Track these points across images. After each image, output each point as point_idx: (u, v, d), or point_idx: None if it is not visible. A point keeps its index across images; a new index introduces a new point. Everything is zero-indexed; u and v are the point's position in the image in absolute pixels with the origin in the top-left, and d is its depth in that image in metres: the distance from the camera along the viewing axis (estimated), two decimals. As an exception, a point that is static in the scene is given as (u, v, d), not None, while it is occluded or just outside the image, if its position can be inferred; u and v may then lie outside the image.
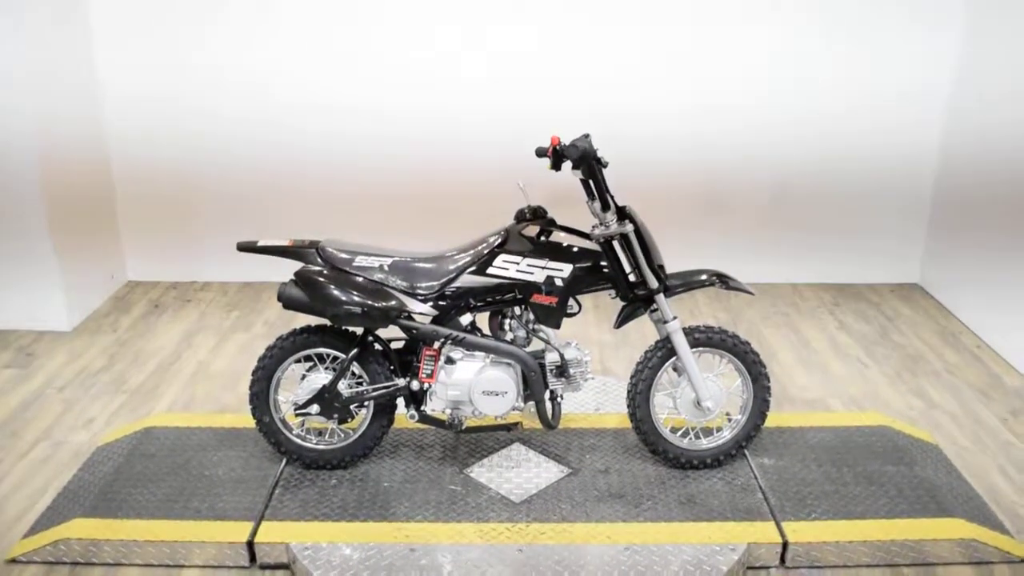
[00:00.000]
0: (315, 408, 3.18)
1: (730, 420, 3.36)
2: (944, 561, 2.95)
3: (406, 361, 3.27)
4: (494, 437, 3.49)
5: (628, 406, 3.28)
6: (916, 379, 4.24)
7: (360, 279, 3.07)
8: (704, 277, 3.20)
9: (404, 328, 3.11)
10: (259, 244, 3.12)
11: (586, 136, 2.95)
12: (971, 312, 4.84)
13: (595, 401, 3.82)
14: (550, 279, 3.05)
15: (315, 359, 3.24)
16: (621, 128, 4.90)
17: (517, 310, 3.19)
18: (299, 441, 3.29)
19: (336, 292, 3.01)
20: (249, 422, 3.53)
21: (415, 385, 3.18)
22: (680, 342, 3.17)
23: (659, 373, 3.25)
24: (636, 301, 3.19)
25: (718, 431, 3.35)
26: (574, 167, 3.07)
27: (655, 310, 3.21)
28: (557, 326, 3.12)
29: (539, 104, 5.00)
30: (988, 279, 4.67)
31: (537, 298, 3.08)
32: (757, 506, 3.12)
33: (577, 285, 3.08)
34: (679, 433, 3.35)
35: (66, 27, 4.67)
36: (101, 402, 3.99)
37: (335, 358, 3.22)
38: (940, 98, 5.05)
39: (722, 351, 3.25)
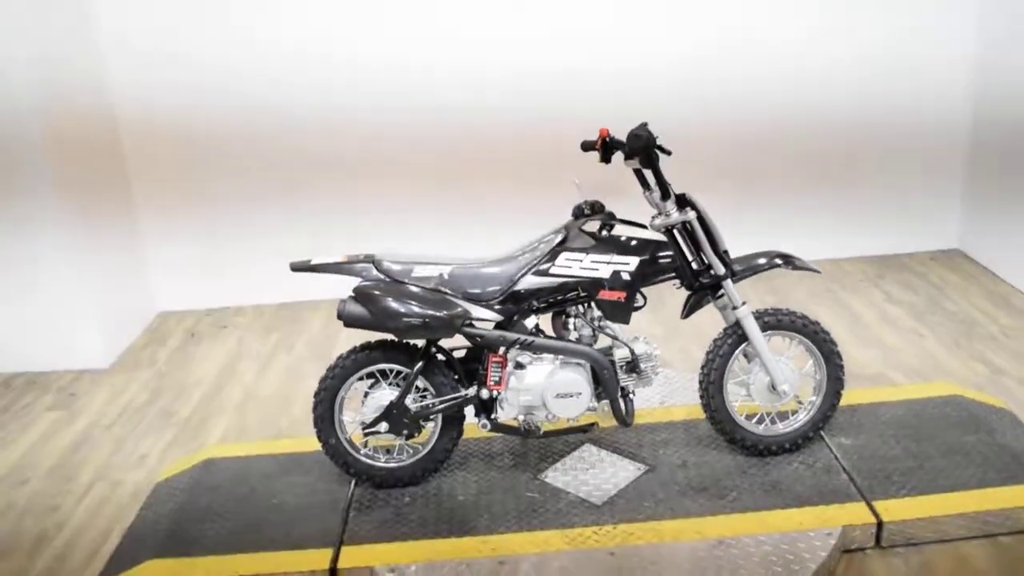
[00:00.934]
0: (384, 426, 3.10)
1: (802, 403, 3.28)
2: (1042, 527, 2.89)
3: (471, 370, 3.19)
4: (563, 439, 3.41)
5: (701, 397, 3.21)
6: (974, 345, 4.17)
7: (421, 290, 2.99)
8: (767, 260, 3.13)
9: (469, 336, 3.04)
10: (313, 263, 3.04)
11: (644, 125, 2.88)
12: (1018, 272, 4.78)
13: (659, 394, 3.74)
14: (616, 274, 2.98)
15: (378, 376, 3.17)
16: (643, 92, 4.85)
17: (581, 308, 3.12)
18: (368, 461, 3.22)
19: (398, 305, 2.93)
20: (310, 445, 3.46)
21: (484, 394, 3.10)
22: (752, 327, 3.10)
23: (730, 361, 3.18)
24: (702, 289, 3.12)
25: (793, 415, 3.28)
26: (628, 158, 3.00)
27: (720, 297, 3.14)
28: (626, 321, 3.05)
29: (567, 63, 4.93)
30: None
31: (604, 294, 3.00)
32: (844, 487, 3.05)
33: (644, 278, 3.01)
34: (754, 420, 3.27)
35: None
36: (151, 437, 3.91)
37: (398, 373, 3.15)
38: (968, 54, 4.99)
39: (792, 332, 3.18)
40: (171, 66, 4.82)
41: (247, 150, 5.02)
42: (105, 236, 4.72)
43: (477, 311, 3.01)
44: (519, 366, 3.05)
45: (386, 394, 3.13)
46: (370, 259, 3.05)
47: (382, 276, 3.01)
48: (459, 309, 2.98)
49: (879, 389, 3.73)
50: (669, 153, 2.87)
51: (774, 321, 3.16)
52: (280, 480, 3.36)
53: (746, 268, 3.11)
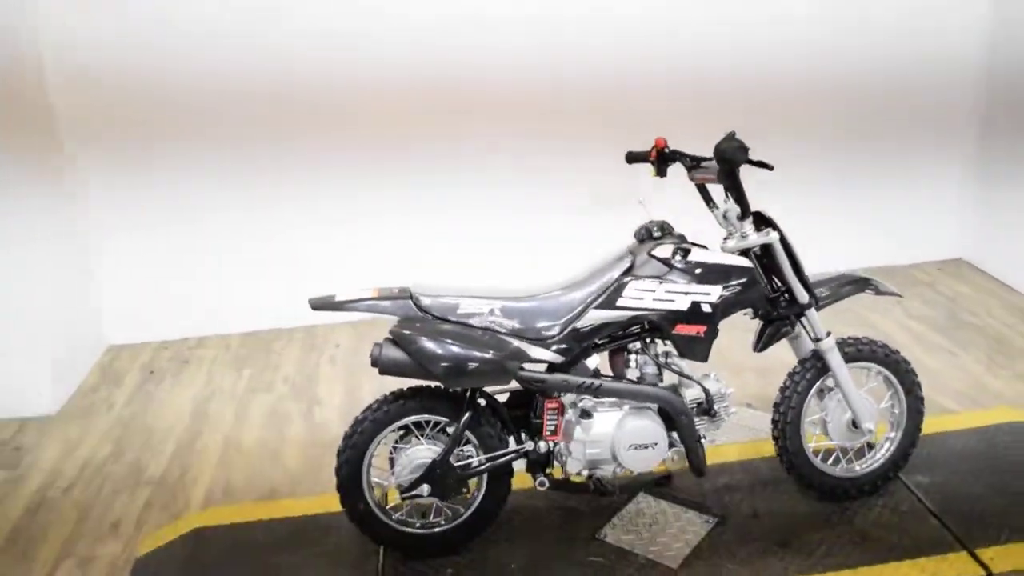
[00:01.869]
0: (425, 489, 2.66)
1: (875, 441, 2.98)
2: None
3: (516, 417, 2.78)
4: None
5: (777, 439, 2.88)
6: (1012, 362, 3.98)
7: (471, 328, 2.57)
8: (851, 286, 2.83)
9: (525, 381, 2.62)
10: (338, 299, 2.58)
11: (733, 134, 2.52)
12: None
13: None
14: (696, 305, 2.61)
15: (412, 428, 2.72)
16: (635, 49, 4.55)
17: (644, 342, 2.74)
18: (401, 528, 2.77)
19: (447, 348, 2.50)
20: (319, 506, 3.03)
21: (542, 447, 2.70)
22: (837, 360, 2.79)
23: (807, 398, 2.85)
24: (780, 319, 2.78)
25: (868, 453, 2.98)
26: (697, 170, 2.65)
27: (790, 326, 2.81)
28: (704, 358, 2.69)
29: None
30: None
31: (681, 329, 2.63)
32: (939, 535, 2.76)
33: (726, 309, 2.65)
34: (828, 461, 2.96)
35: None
36: (122, 500, 3.35)
37: (435, 424, 2.71)
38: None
39: (871, 363, 2.88)
40: (120, 49, 4.21)
41: (208, 139, 4.44)
42: (46, 254, 4.08)
43: (534, 352, 2.60)
44: (584, 414, 2.64)
45: (423, 450, 2.70)
46: (406, 293, 2.60)
47: (421, 313, 2.57)
48: (515, 350, 2.56)
49: (938, 419, 3.46)
50: (771, 168, 2.51)
51: (854, 351, 2.86)
52: (290, 553, 2.88)
53: (830, 295, 2.80)
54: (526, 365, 2.59)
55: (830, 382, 2.87)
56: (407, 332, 2.51)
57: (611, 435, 2.64)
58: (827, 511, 2.91)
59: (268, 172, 4.55)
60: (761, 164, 2.50)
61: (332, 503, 2.99)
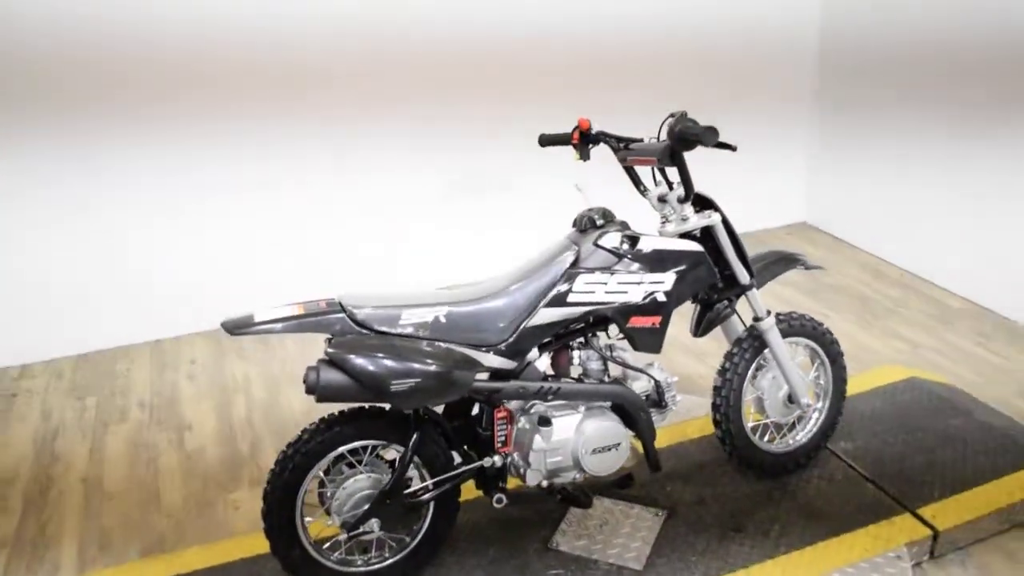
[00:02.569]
0: (375, 524, 2.37)
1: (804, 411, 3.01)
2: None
3: (454, 429, 2.54)
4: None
5: (718, 423, 2.81)
6: (880, 321, 4.18)
7: (416, 341, 2.28)
8: (782, 262, 2.80)
9: (479, 392, 2.38)
10: (257, 320, 2.21)
11: (684, 113, 2.37)
12: (873, 242, 4.91)
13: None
14: (650, 295, 2.47)
15: (346, 456, 2.41)
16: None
17: (585, 337, 2.58)
18: (343, 568, 2.46)
19: (396, 365, 2.20)
20: (226, 553, 2.65)
21: (497, 461, 2.47)
22: (777, 339, 2.75)
23: (746, 379, 2.81)
24: (718, 302, 2.71)
25: (794, 426, 2.99)
26: (633, 153, 2.51)
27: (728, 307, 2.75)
28: (658, 349, 2.56)
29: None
30: (877, 204, 4.77)
31: (636, 321, 2.48)
32: (879, 500, 2.81)
33: (680, 297, 2.53)
34: (766, 438, 2.94)
35: None
36: (-32, 574, 2.78)
37: (370, 449, 2.42)
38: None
39: (800, 336, 2.88)
40: None
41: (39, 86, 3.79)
42: None
43: (487, 360, 2.36)
44: (543, 421, 2.44)
45: (364, 480, 2.40)
46: (336, 306, 2.28)
47: (358, 328, 2.26)
48: (468, 361, 2.31)
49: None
50: (734, 148, 2.39)
51: (786, 327, 2.84)
52: (208, 611, 2.48)
53: (767, 274, 2.75)
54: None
55: (761, 360, 2.84)
56: (348, 351, 2.19)
57: (572, 440, 2.46)
58: (767, 489, 2.89)
59: (92, 157, 3.95)
60: (726, 145, 2.39)
61: (245, 546, 2.64)
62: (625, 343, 2.74)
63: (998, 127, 4.01)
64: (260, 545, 2.65)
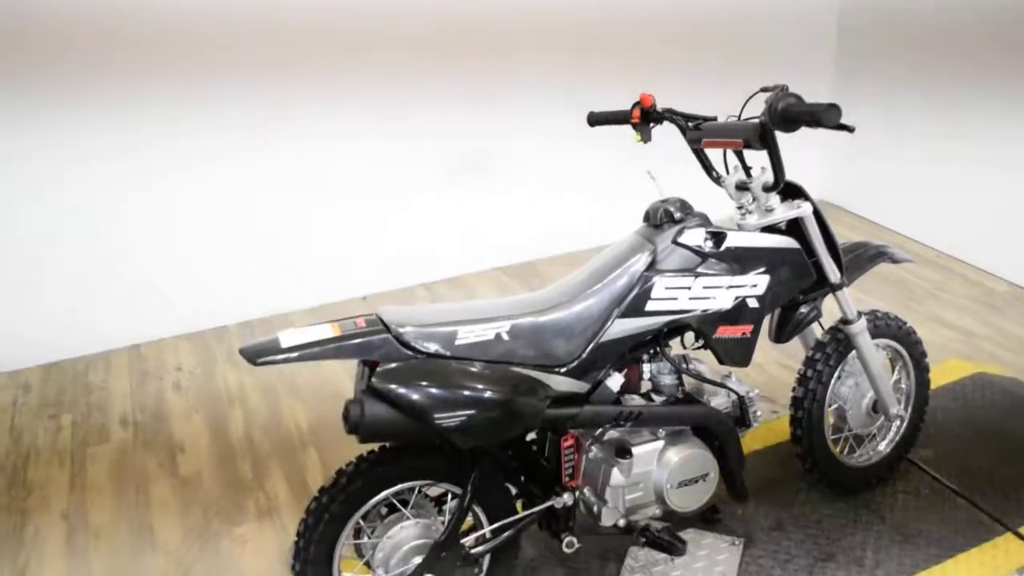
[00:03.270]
0: (431, 579, 2.01)
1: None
2: None
3: (511, 463, 2.19)
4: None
5: (799, 438, 2.49)
6: (925, 307, 3.90)
7: (476, 364, 1.91)
8: (870, 256, 2.47)
9: (551, 421, 2.02)
10: (284, 346, 1.81)
11: (785, 87, 2.01)
12: (901, 221, 4.64)
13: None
14: (740, 300, 2.13)
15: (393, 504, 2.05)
16: None
17: (657, 348, 2.23)
18: (389, 628, 2.09)
19: (457, 396, 1.83)
20: None
21: (567, 499, 2.12)
22: (867, 343, 2.43)
23: (830, 388, 2.49)
24: (804, 303, 2.37)
25: (871, 438, 2.69)
26: (718, 137, 2.14)
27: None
28: (747, 362, 2.21)
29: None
30: (902, 182, 4.50)
31: (724, 331, 2.14)
32: (974, 518, 2.53)
33: (774, 302, 2.19)
34: (845, 452, 2.63)
35: None
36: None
37: (417, 490, 2.06)
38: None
39: (885, 338, 2.56)
40: None
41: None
42: None
43: (556, 383, 2.00)
44: (622, 452, 2.08)
45: (413, 529, 2.03)
46: (376, 324, 1.89)
47: (407, 352, 1.88)
48: (539, 386, 1.95)
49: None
50: (852, 130, 2.03)
51: (872, 328, 2.51)
52: None
53: (855, 270, 2.42)
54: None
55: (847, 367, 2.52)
56: (399, 381, 1.81)
57: (654, 472, 2.12)
58: (850, 508, 2.59)
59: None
60: (844, 126, 2.02)
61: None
62: (700, 353, 2.40)
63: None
64: (284, 598, 2.29)
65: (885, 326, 2.54)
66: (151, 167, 3.63)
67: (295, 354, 1.80)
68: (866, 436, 2.65)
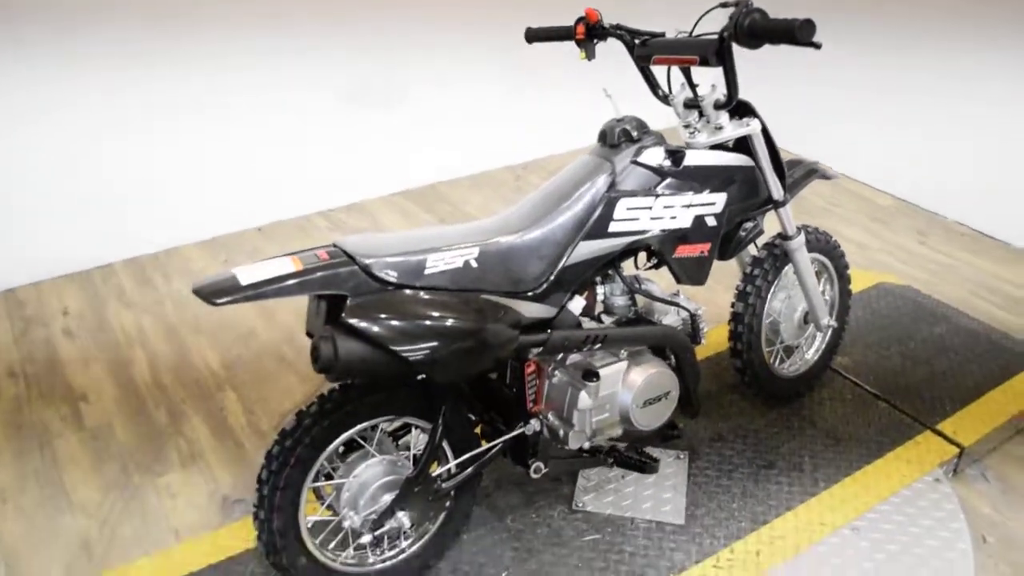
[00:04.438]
0: (404, 519, 1.94)
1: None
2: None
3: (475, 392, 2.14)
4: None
5: (739, 352, 2.55)
6: (822, 222, 4.06)
7: (449, 294, 1.83)
8: (803, 174, 2.51)
9: (522, 349, 1.97)
10: (244, 282, 1.67)
11: (748, 3, 1.97)
12: (787, 140, 4.78)
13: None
14: (699, 219, 2.12)
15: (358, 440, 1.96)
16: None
17: (611, 271, 2.21)
18: (357, 569, 2.02)
19: (435, 328, 1.75)
20: (178, 563, 2.16)
21: (535, 425, 2.09)
22: (804, 257, 2.49)
23: (767, 302, 2.55)
24: (747, 220, 2.39)
25: (798, 349, 2.79)
26: (664, 52, 2.10)
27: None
28: (703, 281, 2.22)
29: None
30: (785, 101, 4.62)
31: (683, 250, 2.13)
32: (896, 419, 2.68)
33: (729, 220, 2.19)
34: (777, 363, 2.72)
35: None
36: None
37: (374, 428, 1.98)
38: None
39: (815, 252, 2.64)
40: None
41: None
42: None
43: (525, 309, 1.95)
44: (589, 375, 2.06)
45: (379, 467, 1.95)
46: (339, 255, 1.77)
47: (374, 284, 1.77)
48: (510, 314, 1.89)
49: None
50: (819, 46, 2.00)
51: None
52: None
53: (793, 187, 2.46)
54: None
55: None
56: (372, 316, 1.71)
57: (619, 393, 2.11)
58: (782, 416, 2.69)
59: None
60: (812, 43, 2.00)
61: (204, 548, 2.16)
62: (650, 274, 2.40)
63: (902, 21, 3.89)
64: (227, 544, 2.18)
65: (815, 240, 2.61)
66: (31, 97, 3.26)
67: (256, 291, 1.65)
68: (795, 347, 2.74)
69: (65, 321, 3.30)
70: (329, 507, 2.00)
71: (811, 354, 2.75)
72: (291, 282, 1.68)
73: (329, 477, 1.95)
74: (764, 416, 2.68)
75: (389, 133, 4.17)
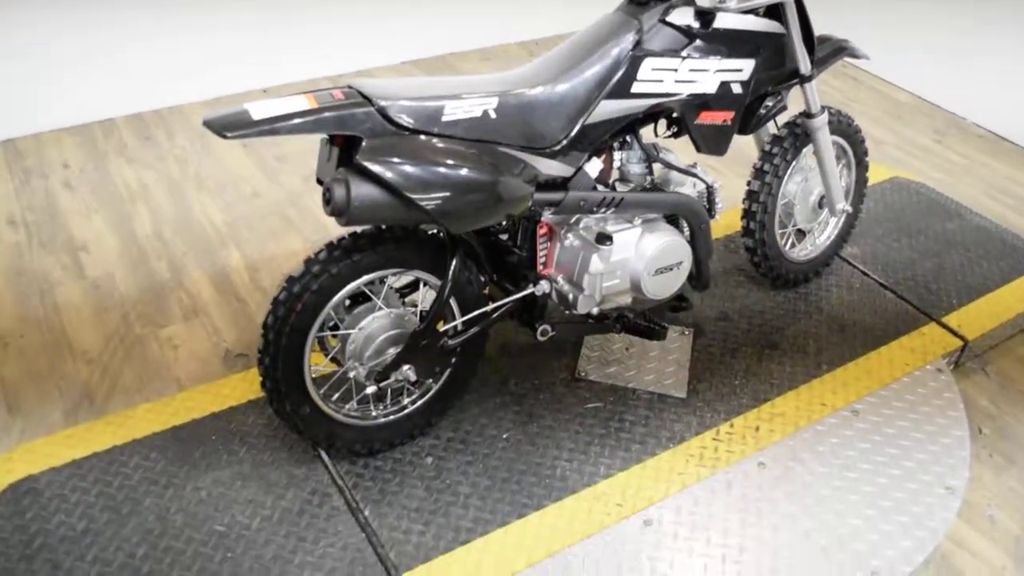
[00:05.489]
0: (409, 372, 1.94)
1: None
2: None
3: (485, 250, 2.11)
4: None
5: (751, 232, 2.51)
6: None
7: (465, 144, 1.77)
8: (833, 51, 2.42)
9: (537, 205, 1.93)
10: (256, 118, 1.61)
11: None
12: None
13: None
14: (725, 86, 2.05)
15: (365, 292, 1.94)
16: None
17: (628, 137, 2.15)
18: (357, 422, 2.03)
19: (451, 174, 1.70)
20: (184, 409, 2.17)
21: (544, 286, 2.06)
22: (826, 139, 2.43)
23: (783, 183, 2.50)
24: (772, 94, 2.32)
25: (810, 234, 2.75)
26: None
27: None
28: (724, 151, 2.17)
29: None
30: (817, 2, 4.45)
31: (706, 116, 2.07)
32: (902, 309, 2.67)
33: (756, 88, 2.12)
34: (788, 246, 2.69)
35: None
36: None
37: (381, 280, 1.95)
38: None
39: (837, 136, 2.58)
40: None
41: None
42: None
43: (543, 165, 1.90)
44: (602, 239, 2.02)
45: (386, 319, 1.94)
46: (355, 96, 1.71)
47: (391, 127, 1.71)
48: (527, 167, 1.84)
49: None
50: None
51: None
52: (180, 486, 2.02)
53: (820, 64, 2.37)
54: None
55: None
56: (388, 159, 1.66)
57: (631, 260, 2.08)
58: (788, 300, 2.68)
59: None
60: None
61: (208, 397, 2.17)
62: (669, 142, 2.34)
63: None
64: (229, 394, 2.19)
65: (837, 122, 2.54)
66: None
67: (269, 127, 1.60)
68: (807, 231, 2.71)
69: (65, 174, 3.24)
70: (334, 359, 2.00)
71: (822, 240, 2.72)
72: (305, 119, 1.63)
73: (335, 329, 1.94)
74: (771, 299, 2.67)
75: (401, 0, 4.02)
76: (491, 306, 2.02)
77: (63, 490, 1.97)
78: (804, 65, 2.26)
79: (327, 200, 1.66)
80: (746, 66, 2.06)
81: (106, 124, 3.57)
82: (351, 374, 1.94)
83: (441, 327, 1.98)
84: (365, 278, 1.86)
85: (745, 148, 3.44)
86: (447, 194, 1.69)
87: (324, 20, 3.88)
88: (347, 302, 1.95)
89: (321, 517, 1.93)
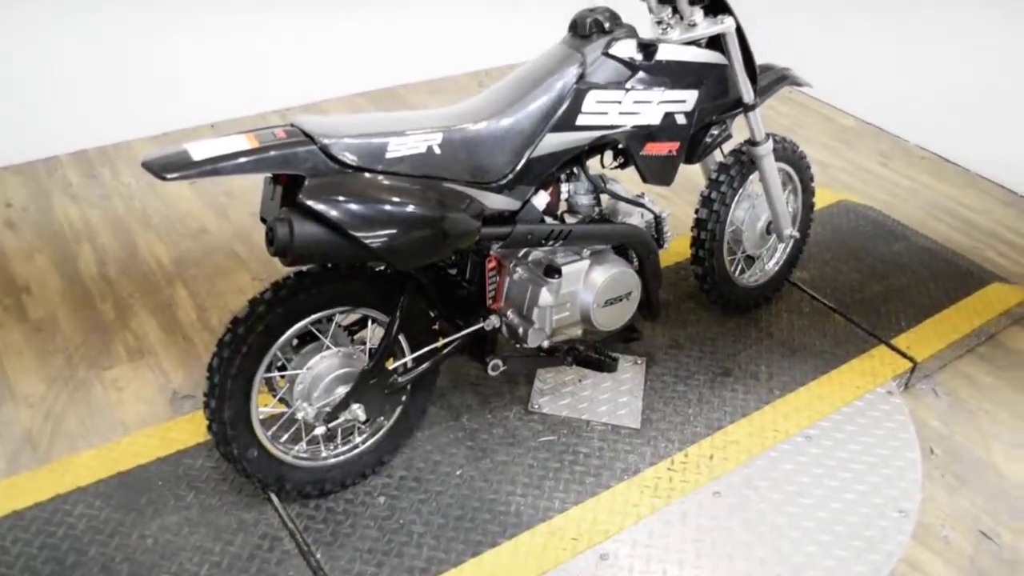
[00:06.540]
0: (358, 411, 1.91)
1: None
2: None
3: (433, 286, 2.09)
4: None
5: (701, 260, 2.53)
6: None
7: (411, 180, 1.76)
8: (775, 79, 2.46)
9: (484, 240, 1.93)
10: (196, 159, 1.59)
11: None
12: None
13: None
14: (669, 116, 2.07)
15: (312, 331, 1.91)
16: None
17: (575, 169, 2.16)
18: (306, 463, 2.00)
19: (395, 212, 1.69)
20: (127, 454, 2.12)
21: (494, 321, 2.05)
22: (772, 165, 2.46)
23: (731, 209, 2.52)
24: (716, 123, 2.35)
25: (759, 260, 2.78)
26: None
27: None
28: (670, 182, 2.18)
29: None
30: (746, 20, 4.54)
31: (651, 147, 2.08)
32: (852, 332, 2.70)
33: (700, 119, 2.14)
34: (737, 272, 2.71)
35: None
36: None
37: (327, 319, 1.93)
38: None
39: (782, 162, 2.61)
40: None
41: None
42: None
43: (489, 200, 1.89)
44: (551, 271, 2.02)
45: (335, 359, 1.91)
46: (297, 134, 1.69)
47: (334, 165, 1.70)
48: (475, 204, 1.84)
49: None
50: None
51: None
52: (126, 534, 1.97)
53: (764, 92, 2.41)
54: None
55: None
56: (331, 198, 1.64)
57: (580, 292, 2.08)
58: (738, 326, 2.69)
59: None
60: None
61: (154, 441, 2.12)
62: (615, 174, 2.35)
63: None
64: (176, 437, 2.14)
65: (782, 149, 2.57)
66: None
67: (210, 167, 1.58)
68: (756, 257, 2.74)
69: (8, 213, 3.17)
70: (282, 400, 1.96)
71: (771, 265, 2.75)
72: (246, 159, 1.61)
73: (283, 369, 1.91)
74: (722, 325, 2.68)
75: (350, 33, 4.01)
76: (441, 342, 2.01)
77: (3, 542, 1.91)
78: (747, 94, 2.29)
79: (270, 240, 1.64)
80: (690, 97, 2.08)
81: (50, 162, 3.51)
82: (300, 415, 1.91)
83: (391, 364, 1.96)
84: (312, 317, 1.84)
85: (693, 176, 3.48)
86: (392, 231, 1.68)
87: (272, 53, 3.86)
88: (294, 341, 1.93)
89: (272, 562, 1.89)
